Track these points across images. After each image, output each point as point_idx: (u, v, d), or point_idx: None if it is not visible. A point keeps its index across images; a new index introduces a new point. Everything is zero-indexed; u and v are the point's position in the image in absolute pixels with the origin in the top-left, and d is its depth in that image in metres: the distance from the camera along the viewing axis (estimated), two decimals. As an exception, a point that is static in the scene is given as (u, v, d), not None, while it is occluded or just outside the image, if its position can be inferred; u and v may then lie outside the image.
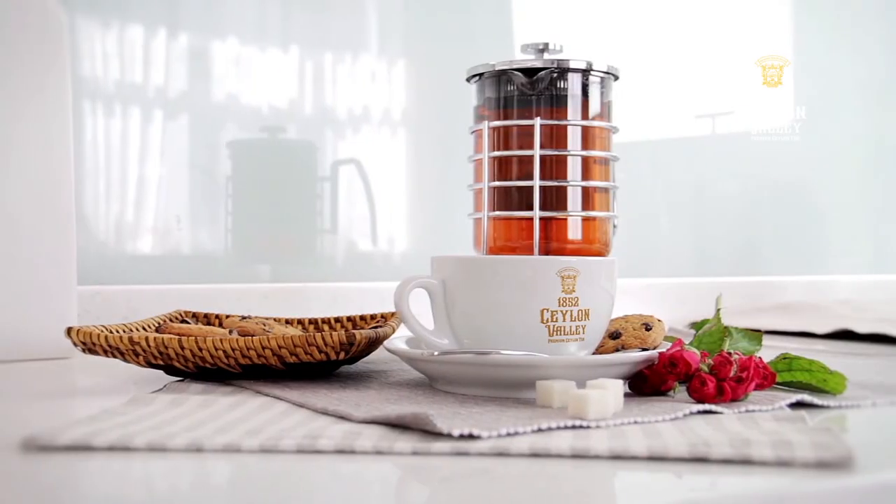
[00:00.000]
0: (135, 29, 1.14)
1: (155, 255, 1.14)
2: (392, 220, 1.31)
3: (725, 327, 0.92)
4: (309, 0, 1.26)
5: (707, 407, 0.65)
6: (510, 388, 0.69)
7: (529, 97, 0.88)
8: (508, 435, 0.57)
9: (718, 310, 0.83)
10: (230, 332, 0.84)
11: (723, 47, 1.56)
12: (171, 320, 0.91)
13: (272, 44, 1.22)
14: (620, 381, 0.64)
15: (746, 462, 0.52)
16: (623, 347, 0.77)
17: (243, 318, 0.89)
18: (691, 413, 0.64)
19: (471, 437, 0.56)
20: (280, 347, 0.74)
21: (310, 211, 1.26)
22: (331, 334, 0.74)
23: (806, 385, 0.74)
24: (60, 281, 0.96)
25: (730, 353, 0.72)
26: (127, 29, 1.13)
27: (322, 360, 0.75)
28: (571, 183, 0.88)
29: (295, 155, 1.29)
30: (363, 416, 0.61)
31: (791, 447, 0.53)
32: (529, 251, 0.86)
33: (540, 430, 0.58)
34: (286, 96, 1.23)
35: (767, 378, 0.72)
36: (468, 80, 0.92)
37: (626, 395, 0.71)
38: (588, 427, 0.60)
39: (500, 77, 0.89)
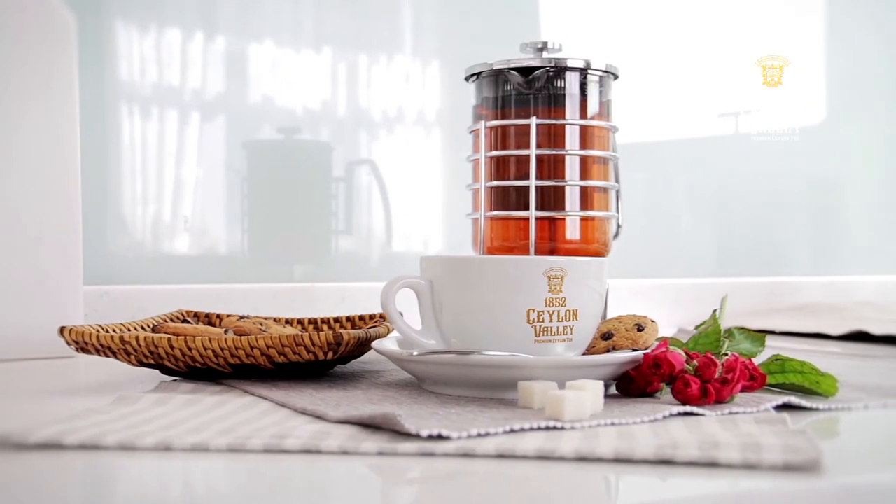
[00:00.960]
0: (172, 32, 1.16)
1: (192, 255, 1.15)
2: (428, 221, 1.31)
3: (729, 329, 0.91)
4: (343, 1, 1.26)
5: (688, 409, 0.64)
6: (494, 388, 0.68)
7: (526, 96, 0.88)
8: (479, 436, 0.57)
9: (715, 311, 0.82)
10: (225, 331, 0.84)
11: (747, 44, 1.54)
12: (172, 319, 0.91)
13: (306, 45, 1.23)
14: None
15: (713, 465, 0.51)
16: (614, 348, 0.77)
17: (241, 317, 0.90)
18: (671, 415, 0.63)
19: (440, 437, 0.56)
20: (268, 347, 0.74)
21: (347, 212, 1.26)
22: (318, 335, 0.74)
23: (798, 387, 0.73)
24: (67, 280, 0.97)
25: (716, 355, 0.71)
26: (164, 32, 1.15)
27: (310, 361, 0.75)
28: (568, 182, 0.87)
29: (324, 155, 1.29)
30: (338, 416, 0.61)
31: (760, 450, 0.52)
32: (527, 251, 0.86)
33: (512, 431, 0.58)
34: (320, 98, 1.24)
35: (757, 380, 0.71)
36: (467, 79, 0.92)
37: (612, 396, 0.71)
38: (562, 428, 0.59)
39: (498, 76, 0.89)
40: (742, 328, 0.91)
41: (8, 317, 0.93)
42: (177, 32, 1.16)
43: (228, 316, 0.93)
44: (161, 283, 1.09)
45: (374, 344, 0.76)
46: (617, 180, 0.98)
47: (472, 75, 0.91)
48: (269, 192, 1.23)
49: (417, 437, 0.56)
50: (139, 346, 0.75)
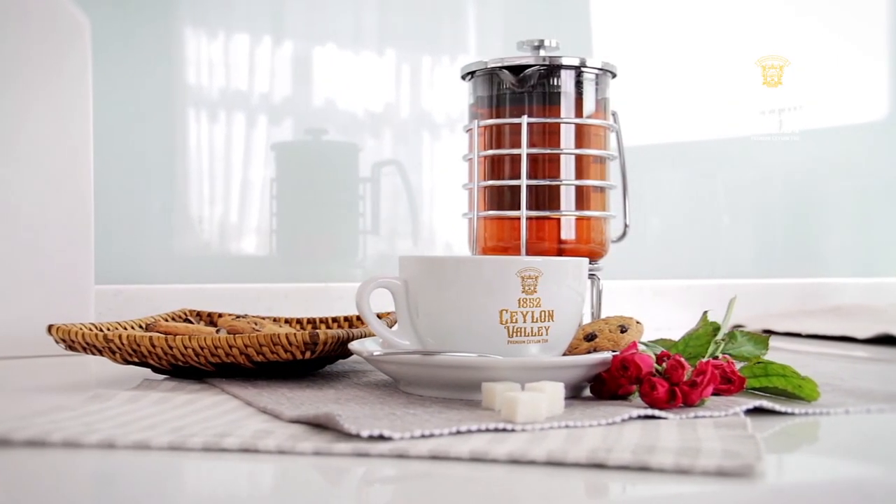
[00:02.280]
0: (240, 37, 1.17)
1: (259, 256, 1.18)
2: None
3: (731, 331, 0.89)
4: (407, 4, 1.27)
5: (649, 412, 0.63)
6: (462, 389, 0.68)
7: (520, 95, 0.87)
8: (422, 437, 0.56)
9: (706, 312, 0.80)
10: (217, 330, 0.85)
11: (793, 39, 1.51)
12: (173, 318, 0.92)
13: (369, 48, 1.24)
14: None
15: (645, 469, 0.50)
16: (595, 349, 0.76)
17: (237, 316, 0.90)
18: (630, 418, 0.62)
19: (381, 437, 0.55)
20: (246, 347, 0.74)
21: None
22: (295, 334, 0.74)
23: (781, 391, 0.71)
24: (78, 280, 0.99)
25: (695, 356, 0.70)
26: (232, 38, 1.17)
27: (289, 360, 0.75)
28: (561, 182, 0.86)
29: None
30: (291, 415, 0.61)
31: (698, 455, 0.51)
32: (520, 251, 0.85)
33: (458, 432, 0.58)
34: (383, 100, 1.24)
35: (734, 383, 0.70)
36: (462, 78, 0.91)
37: (586, 398, 0.70)
38: (513, 430, 0.58)
39: (492, 75, 0.88)
40: (745, 331, 0.90)
41: (22, 314, 0.94)
42: (245, 37, 1.18)
43: (221, 315, 0.94)
44: (175, 284, 1.10)
45: (352, 344, 0.76)
46: (624, 180, 0.97)
47: (467, 74, 0.90)
48: (297, 193, 1.23)
49: (358, 437, 0.55)
50: (122, 344, 0.76)
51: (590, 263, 0.90)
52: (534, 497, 0.48)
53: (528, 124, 0.86)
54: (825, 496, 0.49)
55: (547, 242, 0.87)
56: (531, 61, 0.86)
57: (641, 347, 0.74)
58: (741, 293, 1.40)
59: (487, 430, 0.58)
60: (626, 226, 0.97)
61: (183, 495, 0.49)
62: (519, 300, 0.70)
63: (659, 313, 1.31)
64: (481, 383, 0.65)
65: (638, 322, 0.78)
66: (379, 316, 0.91)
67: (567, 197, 0.87)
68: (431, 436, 0.57)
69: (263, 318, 0.92)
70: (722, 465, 0.50)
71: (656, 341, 0.86)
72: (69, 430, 0.57)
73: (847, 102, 1.59)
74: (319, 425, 0.59)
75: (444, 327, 0.72)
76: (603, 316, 0.87)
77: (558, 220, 0.87)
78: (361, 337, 0.78)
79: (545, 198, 0.87)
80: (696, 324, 0.81)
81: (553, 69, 0.87)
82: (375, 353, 0.68)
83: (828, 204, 1.56)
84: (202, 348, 0.75)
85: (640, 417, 0.62)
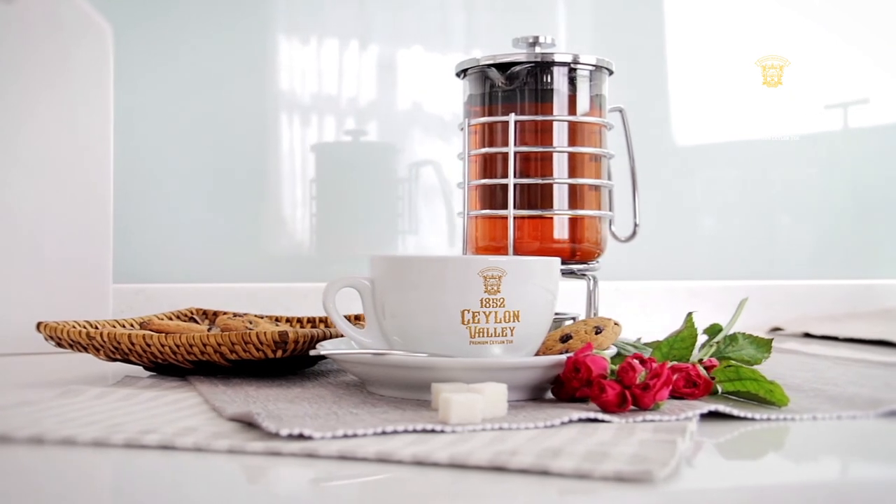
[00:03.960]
0: (330, 42, 1.20)
1: (298, 255, 1.20)
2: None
3: (733, 334, 0.87)
4: (493, 3, 1.27)
5: (591, 415, 0.61)
6: (419, 389, 0.67)
7: (511, 92, 0.86)
8: (346, 436, 0.56)
9: (690, 314, 0.78)
10: (209, 329, 0.86)
11: (856, 34, 1.46)
12: (177, 317, 0.94)
13: (455, 50, 1.25)
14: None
15: (544, 473, 0.49)
16: (568, 351, 0.74)
17: (235, 315, 0.91)
18: (570, 421, 0.61)
19: (301, 437, 0.55)
20: (220, 345, 0.75)
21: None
22: (265, 333, 0.74)
23: (753, 395, 0.69)
24: (96, 278, 1.01)
25: (680, 359, 0.68)
26: (323, 43, 1.20)
27: (261, 358, 0.75)
28: (554, 181, 0.85)
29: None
30: (231, 413, 0.61)
31: (602, 460, 0.50)
32: (515, 250, 0.84)
33: (384, 433, 0.57)
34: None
35: (699, 387, 0.68)
36: (456, 75, 0.90)
37: (547, 399, 0.68)
38: (441, 431, 0.58)
39: (483, 73, 0.87)
40: (747, 334, 0.87)
41: (40, 312, 0.97)
42: (334, 42, 1.20)
43: (226, 314, 0.95)
44: (194, 283, 1.12)
45: (321, 344, 0.76)
46: (633, 179, 0.95)
47: (461, 72, 0.89)
48: (337, 193, 1.24)
49: (277, 435, 0.55)
50: (104, 341, 0.77)
51: (585, 263, 0.89)
52: (403, 498, 0.47)
53: (520, 122, 0.85)
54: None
55: (538, 242, 0.86)
56: (523, 58, 0.85)
57: (609, 351, 0.72)
58: (797, 294, 1.37)
59: (415, 431, 0.58)
60: (635, 225, 0.95)
61: (75, 492, 0.49)
62: (481, 300, 0.69)
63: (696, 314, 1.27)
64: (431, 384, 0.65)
65: (616, 323, 0.76)
66: (299, 320, 0.91)
67: (560, 196, 0.86)
68: (354, 436, 0.56)
69: (262, 318, 0.92)
70: (621, 470, 0.48)
71: (649, 344, 0.84)
72: (28, 430, 0.57)
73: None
74: (251, 423, 0.59)
75: (409, 327, 0.71)
76: (606, 316, 0.85)
77: (551, 219, 0.86)
78: (334, 337, 0.78)
79: (537, 197, 0.86)
80: (681, 325, 0.79)
81: (544, 66, 0.85)
82: (324, 352, 0.68)
83: (890, 202, 1.50)
84: (178, 346, 0.76)
85: (580, 420, 0.61)
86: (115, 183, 1.02)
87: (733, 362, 0.70)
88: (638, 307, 1.26)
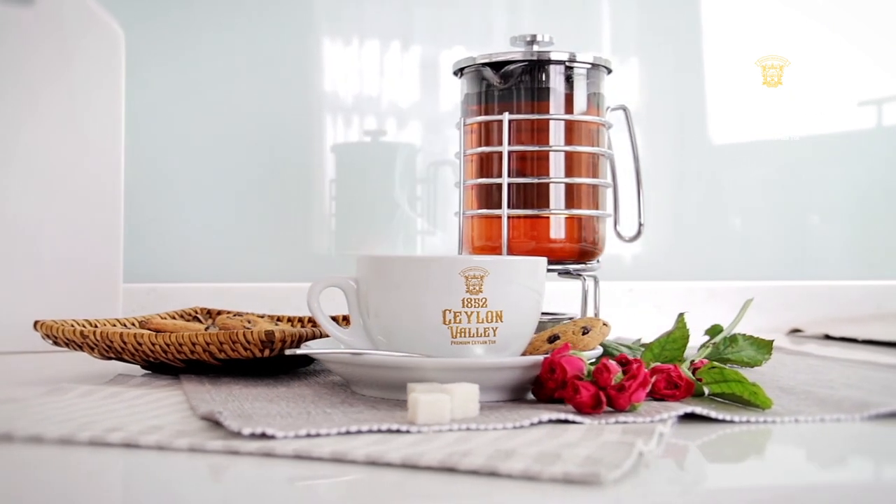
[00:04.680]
0: (371, 43, 1.21)
1: (319, 255, 1.21)
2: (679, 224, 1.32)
3: (733, 335, 0.86)
4: (536, 4, 1.27)
5: (561, 416, 0.61)
6: (399, 389, 0.67)
7: (507, 91, 0.86)
8: (309, 436, 0.56)
9: (682, 314, 0.77)
10: (206, 328, 0.86)
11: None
12: (181, 316, 0.94)
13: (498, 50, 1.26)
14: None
15: (493, 474, 0.49)
16: (554, 352, 0.74)
17: (235, 314, 0.92)
18: (540, 422, 0.60)
19: (263, 436, 0.55)
20: (209, 344, 0.76)
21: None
22: (252, 332, 0.75)
23: (738, 397, 0.67)
24: (107, 277, 1.03)
25: (671, 360, 0.67)
26: (365, 44, 1.21)
27: (249, 357, 0.76)
28: (550, 180, 0.84)
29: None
30: (201, 412, 0.62)
31: (554, 461, 0.49)
32: (510, 250, 0.84)
33: (349, 432, 0.57)
34: None
35: (681, 388, 0.67)
36: (454, 74, 0.90)
37: (527, 400, 0.68)
38: (406, 432, 0.58)
39: (479, 72, 0.87)
40: (748, 335, 0.86)
41: (51, 311, 0.98)
42: (376, 43, 1.22)
43: (226, 313, 0.95)
44: (206, 283, 1.13)
45: (306, 344, 0.76)
46: (637, 178, 0.94)
47: (458, 70, 0.89)
48: (356, 194, 1.25)
49: (240, 434, 0.56)
50: (98, 340, 0.78)
51: (583, 263, 0.88)
52: (353, 498, 0.47)
53: (516, 121, 0.85)
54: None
55: (534, 242, 0.85)
56: (519, 57, 0.85)
57: (595, 352, 0.72)
58: (820, 294, 1.35)
59: (380, 432, 0.58)
60: (640, 224, 0.94)
61: (37, 490, 0.50)
62: (463, 300, 0.69)
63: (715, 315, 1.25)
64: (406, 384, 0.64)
65: (605, 324, 0.75)
66: (300, 319, 0.91)
67: (556, 195, 0.85)
68: (317, 435, 0.56)
69: (262, 317, 0.93)
70: (569, 472, 0.48)
71: (645, 345, 0.83)
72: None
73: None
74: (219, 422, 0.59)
75: (392, 327, 0.71)
76: (595, 317, 0.84)
77: (547, 218, 0.85)
78: (322, 337, 0.78)
79: (533, 196, 0.85)
80: (673, 325, 0.78)
81: (540, 65, 0.85)
82: (300, 352, 0.68)
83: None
84: (168, 345, 0.76)
85: (550, 422, 0.60)
86: (127, 182, 1.04)
87: (717, 364, 0.68)
88: (653, 308, 1.24)
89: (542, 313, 0.91)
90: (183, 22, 1.17)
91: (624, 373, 0.64)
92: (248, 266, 1.17)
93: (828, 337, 1.19)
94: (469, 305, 0.69)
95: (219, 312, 0.97)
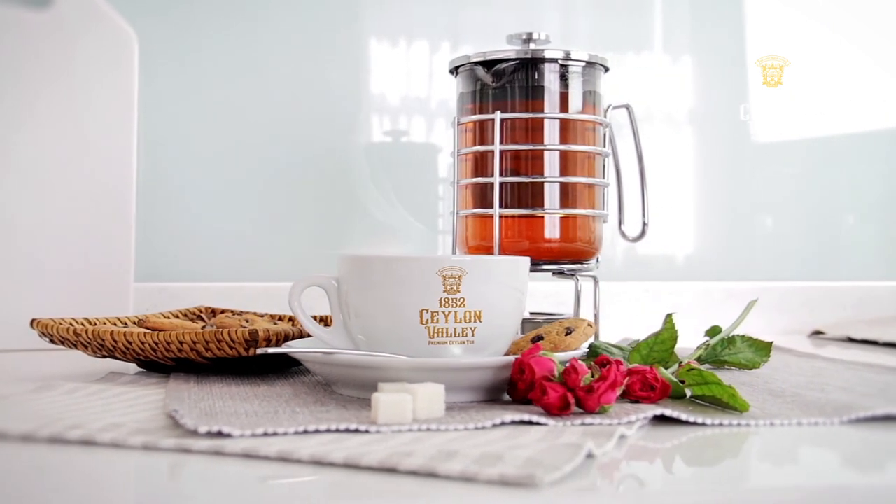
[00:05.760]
0: (420, 44, 1.22)
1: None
2: (679, 220, 1.30)
3: (731, 336, 0.85)
4: (591, 4, 1.27)
5: (525, 417, 0.60)
6: (371, 389, 0.67)
7: (501, 90, 0.85)
8: (265, 435, 0.56)
9: (669, 315, 0.76)
10: (203, 327, 0.87)
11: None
12: (184, 315, 0.95)
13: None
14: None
15: (432, 475, 0.48)
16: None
17: (234, 313, 0.92)
18: (503, 423, 0.59)
19: (219, 434, 0.56)
20: (195, 343, 0.76)
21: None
22: (237, 331, 0.75)
23: (717, 399, 0.66)
24: (118, 276, 1.04)
25: (660, 361, 0.66)
26: (413, 45, 1.22)
27: (235, 356, 0.76)
28: (545, 179, 0.84)
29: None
30: (167, 410, 0.62)
31: (495, 463, 0.49)
32: (502, 249, 0.84)
33: (306, 431, 0.57)
34: None
35: (656, 390, 0.66)
36: (450, 72, 0.90)
37: (503, 401, 0.67)
38: (366, 432, 0.57)
39: (472, 71, 0.86)
40: (747, 336, 0.85)
41: (63, 309, 0.99)
42: (424, 44, 1.22)
43: (231, 312, 0.96)
44: (219, 282, 1.14)
45: (286, 343, 0.76)
46: (641, 177, 0.93)
47: (453, 69, 0.89)
48: (372, 193, 1.25)
49: (196, 433, 0.56)
50: (90, 339, 0.79)
51: (579, 263, 0.87)
52: (293, 497, 0.47)
53: (511, 120, 0.84)
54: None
55: (528, 241, 0.85)
56: (513, 55, 0.84)
57: (577, 352, 0.71)
58: (844, 295, 1.32)
59: (338, 431, 0.57)
60: (644, 224, 0.93)
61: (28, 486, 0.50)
62: (440, 300, 0.69)
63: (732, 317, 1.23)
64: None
65: (590, 325, 0.75)
66: None
67: (551, 195, 0.84)
68: (274, 434, 0.56)
69: (262, 316, 0.93)
70: (505, 473, 0.47)
71: (636, 346, 0.82)
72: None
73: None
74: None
75: (371, 327, 0.71)
76: (581, 317, 0.83)
77: (541, 218, 0.84)
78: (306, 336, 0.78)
79: (528, 196, 0.84)
80: (661, 326, 0.77)
81: (533, 63, 0.84)
82: (271, 350, 0.68)
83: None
84: (156, 344, 0.77)
85: (513, 423, 0.60)
86: (139, 182, 1.05)
87: (695, 366, 0.67)
88: (670, 309, 1.22)
89: (539, 314, 0.91)
90: (185, 21, 1.18)
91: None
92: (261, 265, 1.17)
93: (850, 339, 1.16)
94: (446, 305, 0.69)
95: (222, 310, 0.98)
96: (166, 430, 0.57)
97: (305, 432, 0.57)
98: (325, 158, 1.21)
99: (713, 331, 0.86)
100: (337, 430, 0.57)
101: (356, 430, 0.58)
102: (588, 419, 0.61)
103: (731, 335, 0.84)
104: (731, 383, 0.66)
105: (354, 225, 1.22)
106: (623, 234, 0.94)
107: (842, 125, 1.39)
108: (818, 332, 1.23)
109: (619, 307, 1.18)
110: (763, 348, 0.84)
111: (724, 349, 0.84)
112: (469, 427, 0.59)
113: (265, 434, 0.56)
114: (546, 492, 0.46)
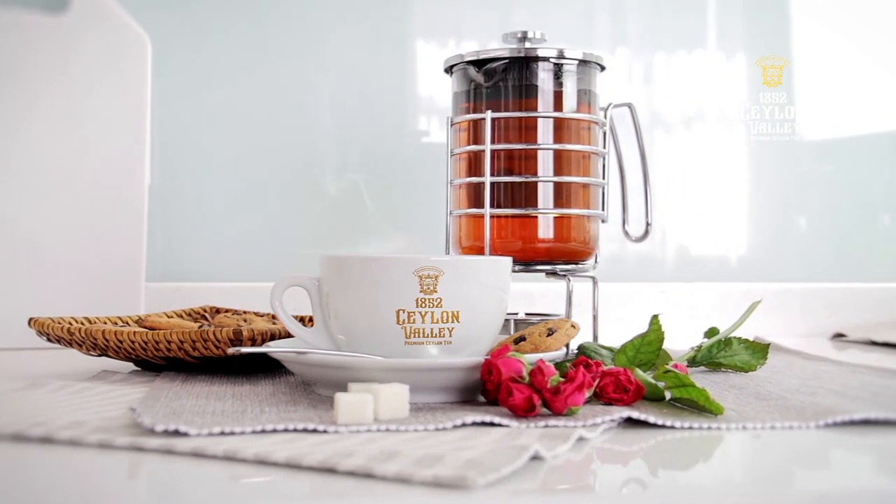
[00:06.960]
0: (468, 45, 1.23)
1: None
2: (732, 222, 1.30)
3: (728, 338, 0.84)
4: (639, 4, 1.28)
5: (487, 418, 0.60)
6: (344, 389, 0.67)
7: (495, 89, 0.85)
8: (222, 434, 0.56)
9: (656, 316, 0.75)
10: (199, 326, 0.87)
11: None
12: (188, 315, 0.96)
13: (601, 48, 1.26)
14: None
15: (370, 476, 0.48)
16: (519, 353, 0.72)
17: (234, 313, 0.93)
18: (464, 424, 0.59)
19: (177, 433, 0.56)
20: (182, 342, 0.77)
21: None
22: (221, 330, 0.75)
23: (694, 402, 0.65)
24: (130, 276, 1.05)
25: (646, 363, 0.65)
26: (461, 46, 1.23)
27: (221, 355, 0.76)
28: (539, 179, 0.83)
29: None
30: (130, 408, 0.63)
31: (433, 464, 0.48)
32: (495, 250, 0.83)
33: (264, 431, 0.57)
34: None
35: (630, 393, 0.65)
36: (445, 71, 0.89)
37: (477, 402, 0.67)
38: (324, 432, 0.57)
39: (465, 70, 0.86)
40: (744, 338, 0.83)
41: (75, 308, 1.01)
42: (473, 45, 1.23)
43: (234, 312, 0.96)
44: (232, 282, 1.14)
45: (267, 343, 0.76)
46: (645, 178, 0.92)
47: (448, 69, 0.88)
48: (385, 193, 1.25)
49: (153, 431, 0.56)
50: (84, 338, 0.80)
51: (575, 263, 0.86)
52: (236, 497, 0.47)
53: (504, 120, 0.84)
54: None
55: (521, 242, 0.84)
56: (506, 54, 0.84)
57: (547, 355, 0.70)
58: (873, 297, 1.29)
59: (295, 431, 0.57)
60: (647, 224, 0.92)
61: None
62: (417, 300, 0.68)
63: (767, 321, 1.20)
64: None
65: (573, 325, 0.74)
66: (301, 318, 0.91)
67: (545, 195, 0.83)
68: (231, 433, 0.56)
69: (261, 316, 0.94)
70: (439, 475, 0.47)
71: (622, 347, 0.81)
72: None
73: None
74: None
75: (350, 327, 0.71)
76: (565, 318, 0.82)
77: (535, 218, 0.84)
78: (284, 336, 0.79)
79: (521, 196, 0.84)
80: (647, 327, 0.76)
81: (526, 62, 0.83)
82: (244, 350, 0.68)
83: None
84: (146, 343, 0.78)
85: (474, 424, 0.59)
86: (153, 182, 1.06)
87: (671, 369, 0.66)
88: (687, 311, 1.21)
89: (535, 314, 0.90)
90: (197, 24, 1.19)
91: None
92: (276, 265, 1.18)
93: (872, 342, 1.14)
94: (423, 305, 0.68)
95: (227, 310, 0.99)
96: (126, 429, 0.58)
97: (263, 431, 0.57)
98: (338, 160, 1.21)
99: (711, 332, 0.85)
100: (295, 430, 0.57)
101: (314, 431, 0.57)
102: (553, 421, 0.60)
103: (728, 337, 0.83)
104: (721, 386, 0.65)
105: (365, 227, 1.22)
106: (626, 234, 0.93)
107: (877, 124, 1.36)
108: (840, 335, 1.20)
109: (631, 308, 1.17)
110: (760, 350, 0.82)
111: (720, 351, 0.82)
112: (429, 428, 0.58)
113: (222, 433, 0.56)
114: (479, 494, 0.46)
